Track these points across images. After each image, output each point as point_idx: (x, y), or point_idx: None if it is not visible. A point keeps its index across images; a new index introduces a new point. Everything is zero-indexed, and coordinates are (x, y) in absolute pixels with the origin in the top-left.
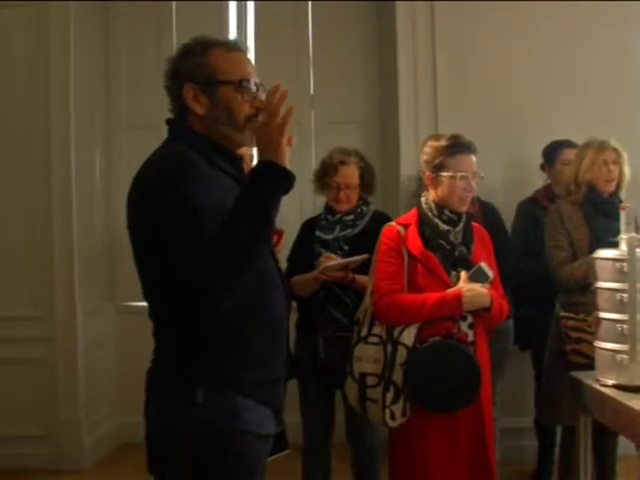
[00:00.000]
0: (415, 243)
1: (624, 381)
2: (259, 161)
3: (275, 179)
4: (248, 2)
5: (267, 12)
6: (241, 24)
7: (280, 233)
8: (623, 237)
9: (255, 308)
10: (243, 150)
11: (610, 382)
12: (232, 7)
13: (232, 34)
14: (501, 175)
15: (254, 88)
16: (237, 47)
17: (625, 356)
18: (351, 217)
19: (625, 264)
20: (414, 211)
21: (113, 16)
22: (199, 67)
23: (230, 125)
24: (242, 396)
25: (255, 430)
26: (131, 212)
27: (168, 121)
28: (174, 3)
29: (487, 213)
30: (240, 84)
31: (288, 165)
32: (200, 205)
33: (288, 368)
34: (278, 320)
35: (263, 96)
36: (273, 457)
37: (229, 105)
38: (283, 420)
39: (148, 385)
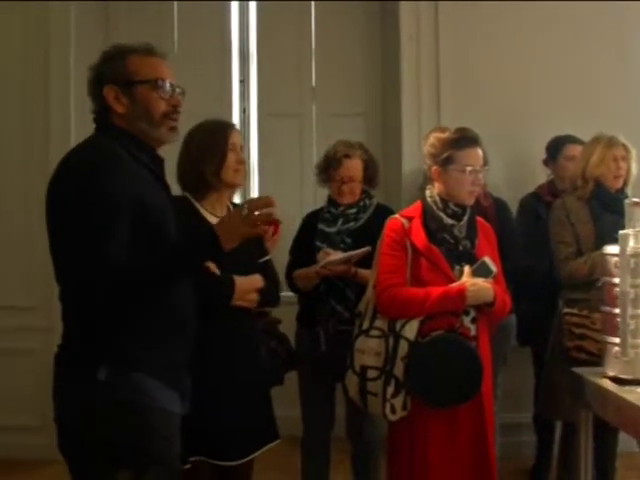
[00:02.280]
0: (419, 236)
1: (618, 373)
2: (214, 232)
3: (213, 254)
4: (250, 2)
5: (269, 12)
6: (243, 24)
7: (276, 224)
8: (624, 232)
9: (159, 299)
10: (235, 140)
11: (609, 374)
12: (234, 7)
13: (234, 34)
14: (504, 170)
15: (170, 88)
16: (153, 52)
17: (619, 348)
18: (354, 210)
19: (632, 260)
20: (418, 204)
21: (114, 16)
22: (118, 70)
23: (147, 121)
24: (146, 375)
25: (161, 405)
26: (48, 199)
27: (95, 120)
28: (175, 3)
29: (499, 208)
30: (155, 83)
31: (227, 250)
32: (117, 201)
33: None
34: (182, 311)
35: (181, 98)
36: (265, 448)
37: (146, 103)
38: (188, 405)
39: (55, 369)
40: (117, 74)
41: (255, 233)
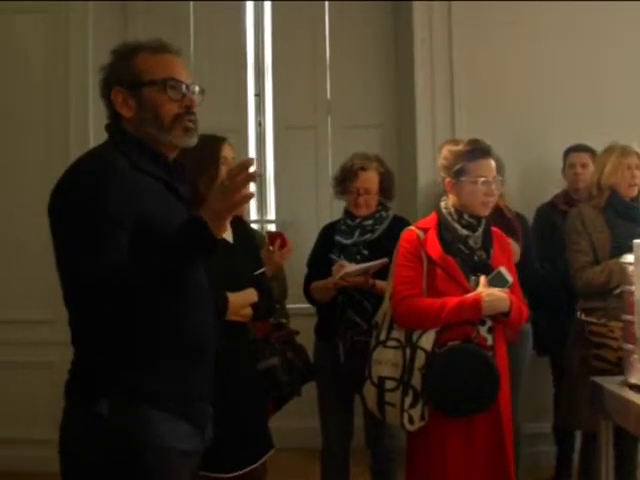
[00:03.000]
0: (434, 247)
1: (638, 381)
2: (199, 217)
3: (203, 245)
4: (265, 2)
5: (284, 12)
6: (258, 24)
7: (282, 237)
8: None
9: (171, 324)
10: (227, 153)
11: (630, 381)
12: (249, 7)
13: (249, 34)
14: (518, 180)
15: (183, 88)
16: (165, 49)
17: (638, 356)
18: (370, 222)
19: None
20: (433, 215)
21: (131, 16)
22: (126, 70)
23: (156, 126)
24: (155, 409)
25: (170, 444)
26: (48, 212)
27: (106, 127)
28: (192, 3)
29: (522, 221)
30: (165, 83)
31: (220, 235)
32: (115, 214)
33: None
34: (199, 338)
35: (196, 97)
36: (262, 460)
37: (154, 105)
38: (210, 437)
39: (65, 397)
40: (124, 75)
41: (243, 199)
